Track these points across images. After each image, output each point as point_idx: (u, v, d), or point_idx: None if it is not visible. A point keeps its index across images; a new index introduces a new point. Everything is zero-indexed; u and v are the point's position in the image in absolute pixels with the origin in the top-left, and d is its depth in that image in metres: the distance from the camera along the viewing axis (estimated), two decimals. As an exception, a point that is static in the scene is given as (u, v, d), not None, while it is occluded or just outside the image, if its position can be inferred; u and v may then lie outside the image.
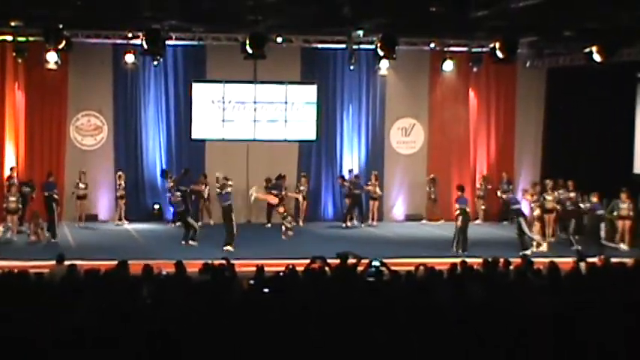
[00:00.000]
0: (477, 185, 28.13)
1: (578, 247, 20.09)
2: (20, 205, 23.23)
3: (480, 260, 14.78)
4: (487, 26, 22.10)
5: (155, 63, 24.68)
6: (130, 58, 24.79)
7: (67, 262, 14.20)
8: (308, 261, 13.77)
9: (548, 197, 24.08)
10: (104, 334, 8.56)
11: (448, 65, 26.52)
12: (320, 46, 25.79)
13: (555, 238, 23.92)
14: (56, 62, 24.19)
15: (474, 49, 25.91)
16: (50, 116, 26.43)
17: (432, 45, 25.68)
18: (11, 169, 25.04)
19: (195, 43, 24.98)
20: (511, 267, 14.22)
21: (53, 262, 14.99)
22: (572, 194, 24.07)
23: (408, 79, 28.00)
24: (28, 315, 9.11)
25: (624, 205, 22.81)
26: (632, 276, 13.46)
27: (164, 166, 26.80)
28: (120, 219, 25.89)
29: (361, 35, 23.91)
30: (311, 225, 26.54)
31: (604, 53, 22.09)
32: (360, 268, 13.60)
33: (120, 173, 25.97)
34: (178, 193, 23.15)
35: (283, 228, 23.47)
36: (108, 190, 26.35)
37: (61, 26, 21.72)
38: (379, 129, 28.27)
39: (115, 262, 13.46)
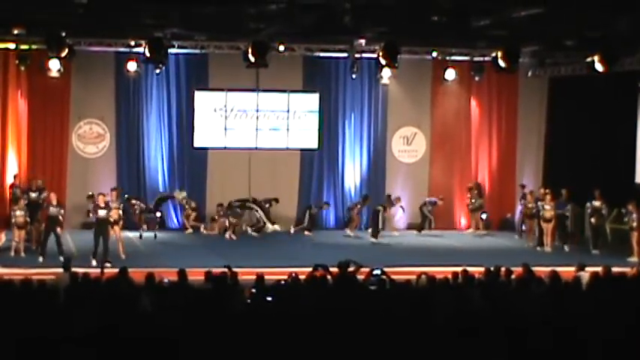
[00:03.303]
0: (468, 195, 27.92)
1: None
2: (28, 219, 21.75)
3: (482, 269, 14.79)
4: (489, 35, 22.13)
5: (157, 71, 24.71)
6: (132, 66, 24.85)
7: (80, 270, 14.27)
8: (310, 269, 13.81)
9: (547, 206, 24.06)
10: (105, 342, 8.58)
11: (450, 74, 26.59)
12: (322, 54, 25.83)
13: (552, 248, 23.92)
14: (58, 70, 24.27)
15: (475, 59, 25.95)
16: (52, 124, 26.45)
17: (434, 54, 25.68)
18: (15, 176, 25.08)
19: (197, 51, 25.01)
20: (512, 276, 14.23)
21: (55, 270, 15.01)
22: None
23: (410, 88, 28.02)
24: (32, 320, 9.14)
25: (633, 216, 22.53)
26: (633, 285, 13.49)
27: (166, 175, 26.95)
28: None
29: (363, 44, 23.94)
30: (313, 233, 26.52)
31: (606, 62, 22.06)
32: (361, 277, 13.64)
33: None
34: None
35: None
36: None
37: (63, 34, 21.74)
38: (381, 137, 28.28)
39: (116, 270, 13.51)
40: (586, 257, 19.50)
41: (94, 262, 19.86)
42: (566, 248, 23.93)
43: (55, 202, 21.54)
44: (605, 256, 21.84)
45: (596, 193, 23.81)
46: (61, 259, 18.27)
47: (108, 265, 19.09)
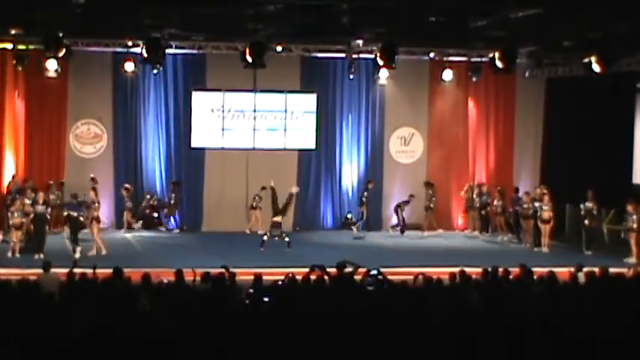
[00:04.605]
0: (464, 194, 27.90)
1: None
2: (24, 219, 21.67)
3: (480, 270, 14.78)
4: (486, 36, 22.14)
5: (155, 71, 24.70)
6: (129, 66, 24.79)
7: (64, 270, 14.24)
8: (307, 270, 13.80)
9: (545, 207, 24.04)
10: (102, 342, 8.57)
11: (447, 75, 26.56)
12: (320, 55, 25.81)
13: (549, 248, 23.96)
14: (56, 70, 24.22)
15: (473, 59, 25.94)
16: (50, 124, 26.43)
17: (432, 55, 25.69)
18: (13, 176, 25.09)
19: (195, 51, 25.00)
20: (510, 276, 14.23)
21: (54, 270, 14.97)
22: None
23: (407, 89, 28.00)
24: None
25: (633, 217, 22.43)
26: (631, 286, 13.50)
27: (164, 175, 26.95)
28: None
29: (361, 44, 23.94)
30: (310, 234, 26.55)
31: (603, 63, 22.08)
32: (358, 278, 13.64)
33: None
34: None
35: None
36: (107, 198, 26.22)
37: (61, 34, 21.74)
38: (378, 138, 28.27)
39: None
40: (581, 258, 19.52)
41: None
42: (506, 238, 26.12)
43: (41, 201, 21.93)
44: (600, 257, 21.75)
45: (589, 194, 23.83)
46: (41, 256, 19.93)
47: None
